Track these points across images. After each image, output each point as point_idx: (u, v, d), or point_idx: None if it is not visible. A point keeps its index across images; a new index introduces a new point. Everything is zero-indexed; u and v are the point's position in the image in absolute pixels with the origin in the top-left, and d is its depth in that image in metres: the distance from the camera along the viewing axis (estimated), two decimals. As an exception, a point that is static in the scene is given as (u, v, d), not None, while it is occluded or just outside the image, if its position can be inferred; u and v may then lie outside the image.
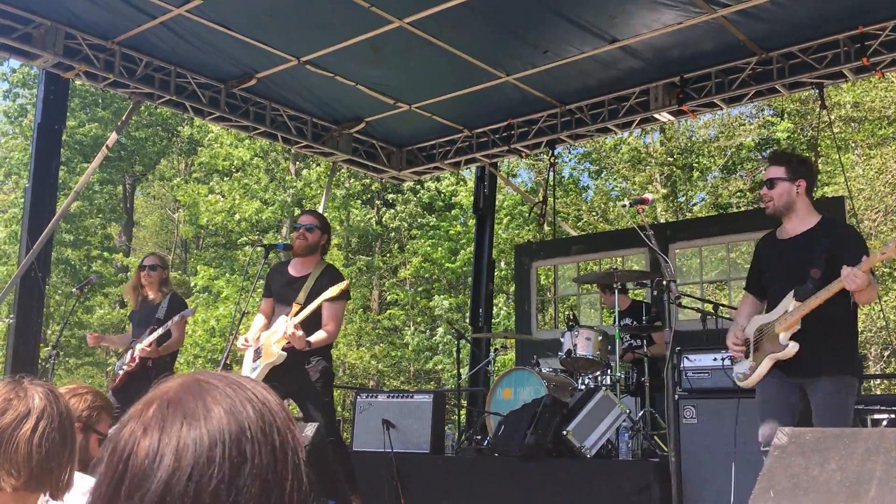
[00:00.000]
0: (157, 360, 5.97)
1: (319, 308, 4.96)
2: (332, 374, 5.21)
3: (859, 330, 8.38)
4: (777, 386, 3.97)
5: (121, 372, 6.02)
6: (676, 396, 5.06)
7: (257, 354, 5.06)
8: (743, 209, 18.89)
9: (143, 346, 5.87)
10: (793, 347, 3.83)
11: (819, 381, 3.86)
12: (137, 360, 5.91)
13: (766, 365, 3.95)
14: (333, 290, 4.84)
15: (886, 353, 14.89)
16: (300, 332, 4.82)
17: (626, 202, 3.76)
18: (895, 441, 2.59)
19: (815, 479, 2.66)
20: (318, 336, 4.94)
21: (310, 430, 3.97)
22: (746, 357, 4.05)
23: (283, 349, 4.89)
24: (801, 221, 4.04)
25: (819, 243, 3.93)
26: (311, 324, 4.97)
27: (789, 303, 3.87)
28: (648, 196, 3.85)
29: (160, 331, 5.90)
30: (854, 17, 6.94)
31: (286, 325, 4.86)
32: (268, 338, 5.03)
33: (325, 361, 5.06)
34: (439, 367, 19.47)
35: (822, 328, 3.86)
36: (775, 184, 4.02)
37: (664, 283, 3.38)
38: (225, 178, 21.62)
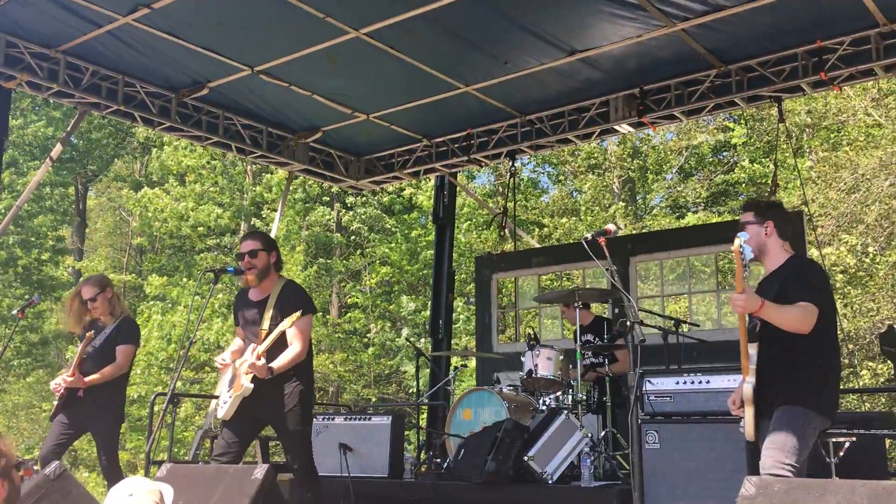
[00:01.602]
0: (94, 389, 5.74)
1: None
2: (312, 397, 5.06)
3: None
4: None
5: (55, 402, 5.80)
6: (639, 421, 4.98)
7: (231, 384, 4.90)
8: (700, 214, 19.06)
9: (64, 377, 5.68)
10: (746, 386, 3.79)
11: (774, 410, 3.80)
12: (63, 390, 5.71)
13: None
14: (286, 323, 4.71)
15: (842, 360, 15.06)
16: (261, 362, 4.69)
17: (588, 235, 3.65)
18: (865, 496, 2.51)
19: (785, 534, 2.57)
20: (283, 360, 4.80)
21: (259, 472, 3.81)
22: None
23: (251, 380, 4.73)
24: (773, 262, 4.08)
25: (773, 283, 3.96)
26: (280, 346, 4.83)
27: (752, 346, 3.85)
28: (611, 227, 3.76)
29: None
30: (812, 31, 6.94)
31: (250, 352, 4.76)
32: (239, 368, 4.88)
33: (302, 384, 4.90)
34: (401, 371, 19.31)
35: (781, 361, 3.81)
36: (745, 228, 4.08)
37: (627, 324, 3.27)
38: (179, 184, 21.18)
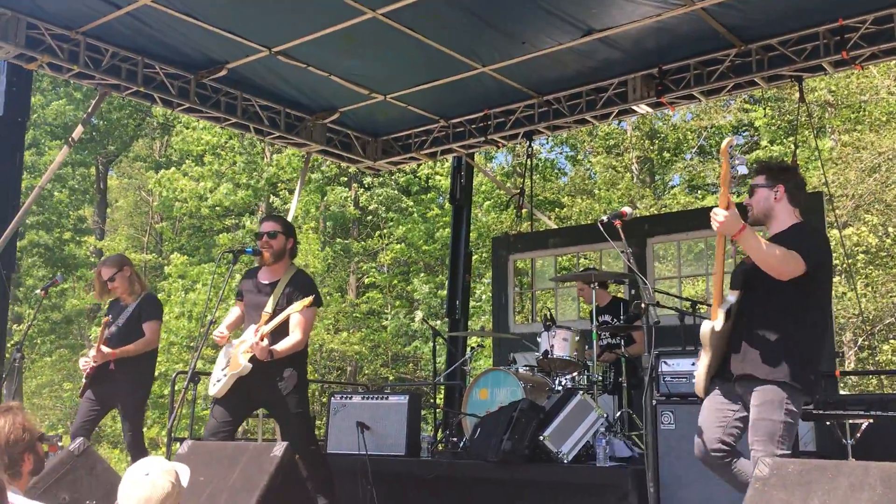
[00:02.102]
0: (123, 362, 5.83)
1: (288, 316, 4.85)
2: (306, 384, 5.11)
3: (834, 316, 8.40)
4: (715, 394, 3.80)
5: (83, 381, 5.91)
6: (654, 402, 4.99)
7: (226, 362, 4.94)
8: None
9: (93, 353, 5.78)
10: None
11: (749, 392, 3.67)
12: (90, 368, 5.83)
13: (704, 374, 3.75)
14: (298, 306, 4.75)
15: (860, 340, 15.01)
16: (264, 343, 4.73)
17: (604, 217, 3.64)
18: (879, 477, 2.53)
19: (797, 515, 2.59)
20: (283, 345, 4.84)
21: (278, 449, 3.86)
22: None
23: (250, 360, 4.77)
24: (777, 228, 3.87)
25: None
26: (280, 332, 4.88)
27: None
28: (626, 210, 3.74)
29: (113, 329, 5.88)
30: (834, 10, 6.87)
31: (253, 334, 4.78)
32: (236, 347, 4.91)
33: (297, 372, 4.94)
34: (418, 352, 19.40)
35: (763, 331, 3.64)
36: (755, 191, 3.90)
37: (643, 305, 3.28)
38: (198, 164, 21.27)
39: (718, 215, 3.44)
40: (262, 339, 4.72)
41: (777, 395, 3.57)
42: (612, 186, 19.52)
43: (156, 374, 6.36)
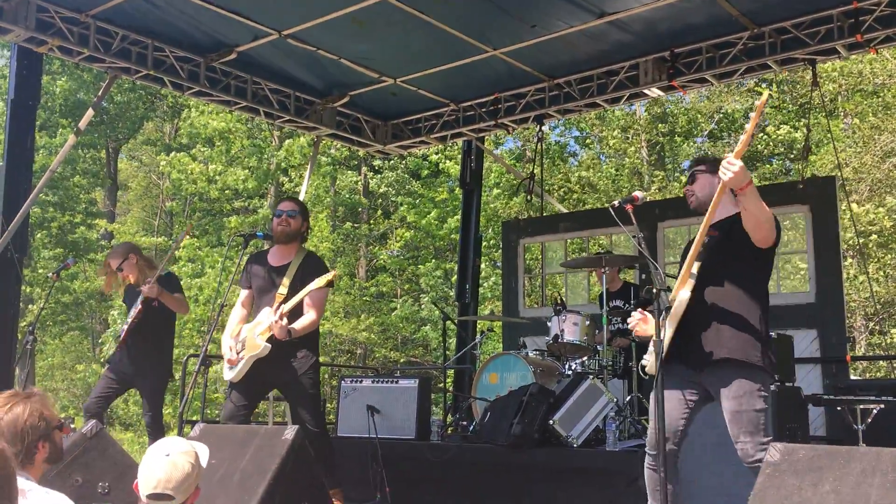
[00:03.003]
0: (144, 349, 5.94)
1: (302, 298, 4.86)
2: (319, 365, 5.14)
3: (845, 300, 8.36)
4: (672, 382, 3.73)
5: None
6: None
7: (241, 347, 4.95)
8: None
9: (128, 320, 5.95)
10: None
11: (719, 378, 3.61)
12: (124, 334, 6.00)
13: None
14: (321, 281, 4.76)
15: (871, 324, 14.94)
16: (284, 322, 4.74)
17: (616, 202, 3.62)
18: (891, 463, 2.52)
19: (808, 501, 2.59)
20: (301, 324, 4.86)
21: (290, 433, 3.88)
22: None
23: (268, 340, 4.79)
24: (724, 213, 3.77)
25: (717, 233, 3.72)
26: (294, 313, 4.89)
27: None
28: (638, 194, 3.71)
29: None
30: (849, -8, 6.79)
31: (272, 313, 4.78)
32: (251, 330, 4.92)
33: (313, 355, 4.99)
34: (427, 337, 19.43)
35: (726, 309, 3.59)
36: (697, 177, 3.88)
37: (655, 291, 3.27)
38: (208, 147, 21.28)
39: (734, 165, 3.30)
40: (281, 318, 4.72)
41: (752, 385, 3.55)
42: (623, 170, 19.43)
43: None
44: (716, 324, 3.61)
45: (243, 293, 5.19)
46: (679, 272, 3.71)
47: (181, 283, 6.51)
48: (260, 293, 5.08)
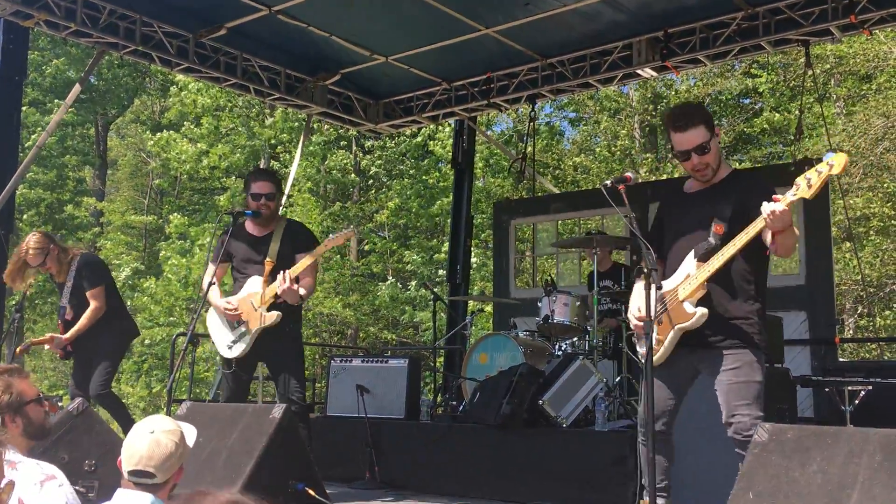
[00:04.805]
0: (88, 333, 5.95)
1: (291, 265, 4.87)
2: (302, 336, 5.23)
3: (835, 283, 8.38)
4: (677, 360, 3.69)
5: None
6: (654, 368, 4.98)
7: (238, 323, 4.90)
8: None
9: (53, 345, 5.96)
10: (701, 315, 3.50)
11: (716, 354, 3.57)
12: (60, 352, 6.06)
13: (672, 338, 3.61)
14: (322, 248, 4.91)
15: (860, 308, 15.01)
16: (296, 286, 4.76)
17: (608, 182, 3.59)
18: (878, 444, 2.52)
19: (796, 480, 2.59)
20: (306, 288, 4.90)
21: (277, 411, 3.86)
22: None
23: (273, 308, 4.80)
24: (723, 173, 3.69)
25: (727, 195, 3.58)
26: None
27: (691, 265, 3.56)
28: (629, 174, 3.67)
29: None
30: (844, -28, 6.75)
31: (282, 278, 4.75)
32: (245, 302, 4.88)
33: (297, 324, 5.06)
34: (416, 318, 19.41)
35: (729, 296, 3.56)
36: (707, 147, 3.59)
37: (645, 270, 3.25)
38: (196, 125, 21.10)
39: (787, 215, 3.20)
40: (291, 283, 4.73)
41: (751, 357, 3.53)
42: (615, 151, 19.38)
43: (158, 338, 6.39)
44: (715, 307, 3.56)
45: (211, 268, 5.08)
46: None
47: (101, 266, 6.34)
48: (244, 264, 5.04)
